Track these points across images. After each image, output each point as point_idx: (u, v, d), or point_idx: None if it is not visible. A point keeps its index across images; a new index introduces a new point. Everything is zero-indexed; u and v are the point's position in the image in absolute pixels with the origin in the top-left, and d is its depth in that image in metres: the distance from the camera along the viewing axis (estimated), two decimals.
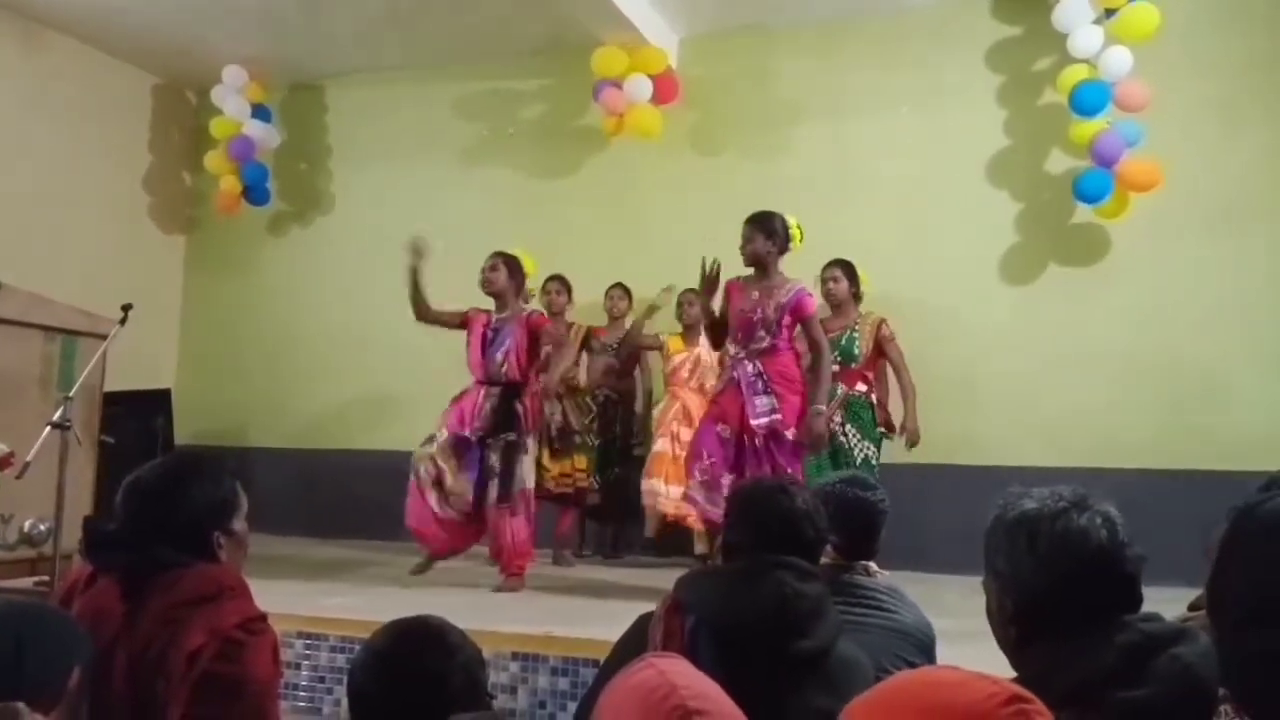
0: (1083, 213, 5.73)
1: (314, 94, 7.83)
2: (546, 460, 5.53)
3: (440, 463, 4.72)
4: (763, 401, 4.31)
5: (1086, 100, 5.40)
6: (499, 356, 4.82)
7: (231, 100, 7.31)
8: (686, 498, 4.40)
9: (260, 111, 7.46)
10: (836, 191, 6.20)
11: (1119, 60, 5.33)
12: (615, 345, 5.84)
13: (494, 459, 4.72)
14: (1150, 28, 5.29)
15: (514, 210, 6.92)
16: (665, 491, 5.21)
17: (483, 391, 4.82)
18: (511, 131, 7.16)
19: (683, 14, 6.51)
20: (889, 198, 6.15)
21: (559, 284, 5.86)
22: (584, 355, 5.77)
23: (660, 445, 5.41)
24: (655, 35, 6.42)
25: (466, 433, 4.75)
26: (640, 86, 6.27)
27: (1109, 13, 5.39)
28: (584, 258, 6.35)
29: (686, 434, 5.24)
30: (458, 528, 4.79)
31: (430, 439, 4.81)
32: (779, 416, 4.27)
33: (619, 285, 5.98)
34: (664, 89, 6.39)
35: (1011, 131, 6.06)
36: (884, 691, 1.05)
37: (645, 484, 5.30)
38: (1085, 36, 5.41)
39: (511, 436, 4.76)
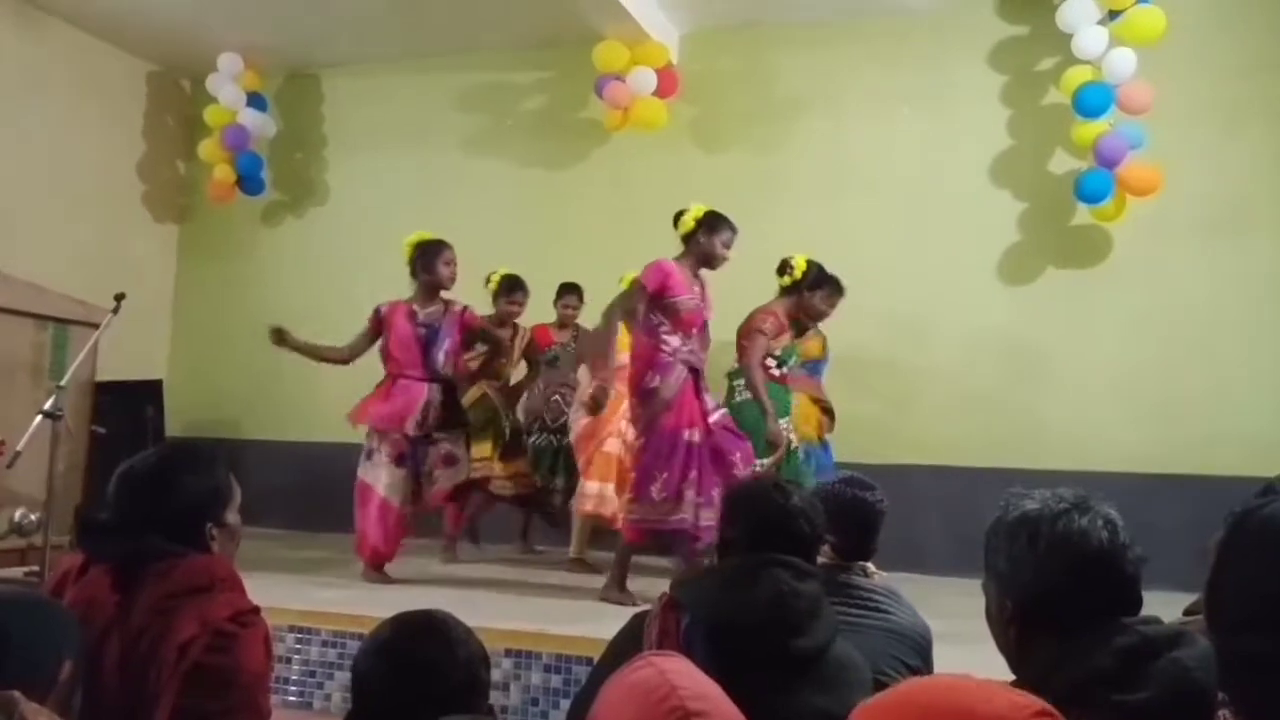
0: (1083, 215, 5.73)
1: (310, 83, 7.79)
2: (496, 461, 5.42)
3: (390, 477, 4.64)
4: (710, 398, 4.29)
5: (1090, 102, 5.40)
6: (440, 355, 4.76)
7: (226, 88, 7.27)
8: (675, 522, 4.06)
9: (255, 100, 7.42)
10: (836, 189, 6.19)
11: (1123, 62, 5.32)
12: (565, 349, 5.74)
13: (445, 450, 4.71)
14: (1156, 30, 5.28)
15: (511, 203, 6.91)
16: (612, 498, 4.92)
17: (426, 388, 4.72)
18: (510, 123, 7.14)
19: (684, 9, 6.50)
20: (889, 196, 6.15)
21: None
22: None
23: (609, 446, 5.01)
24: (656, 30, 6.40)
25: (417, 432, 4.66)
26: (644, 80, 6.26)
27: (1114, 14, 5.38)
28: (581, 251, 6.33)
29: (633, 433, 5.07)
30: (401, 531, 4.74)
31: (374, 458, 4.68)
32: (725, 410, 4.28)
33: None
34: (664, 84, 6.38)
35: (1014, 132, 6.05)
36: (901, 695, 1.04)
37: (590, 487, 4.95)
38: (1090, 38, 5.41)
39: (461, 432, 4.83)
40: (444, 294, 4.85)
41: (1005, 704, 0.93)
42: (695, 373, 4.21)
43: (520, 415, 5.69)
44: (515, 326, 5.67)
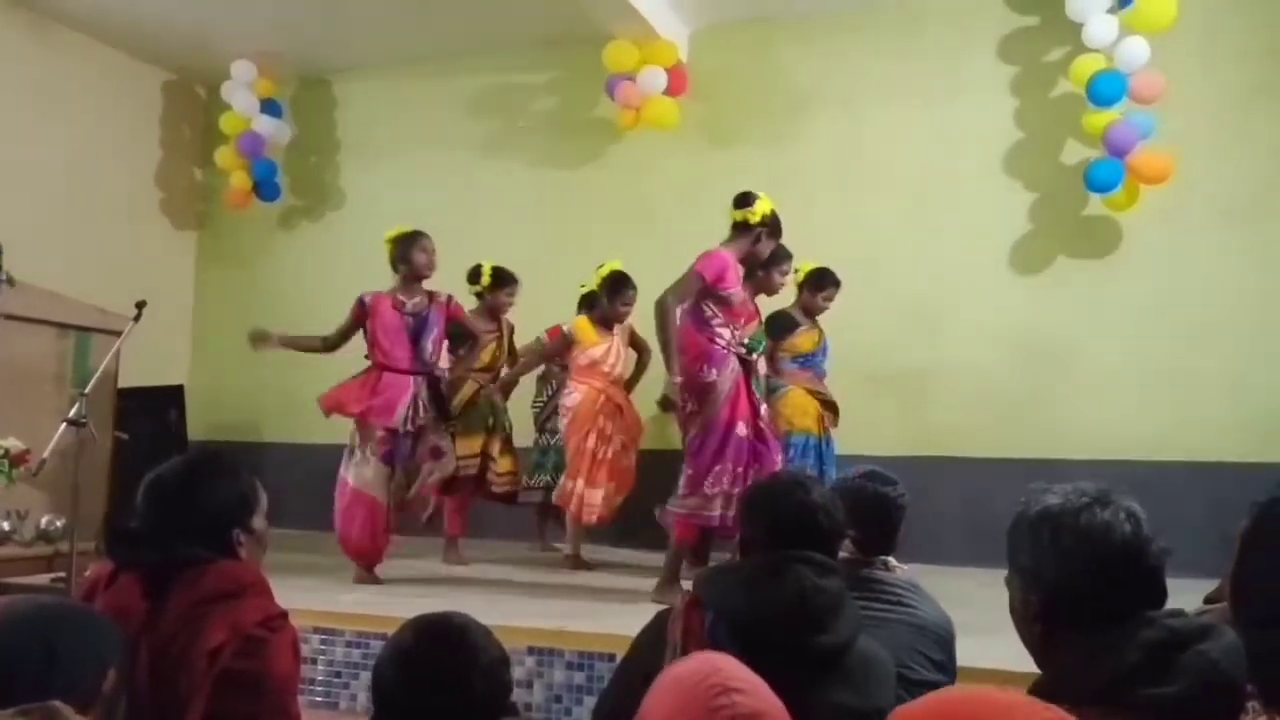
0: (1095, 205, 5.70)
1: (324, 88, 7.83)
2: (498, 456, 5.41)
3: (377, 474, 4.60)
4: (758, 394, 4.26)
5: (1101, 91, 5.37)
6: (429, 345, 4.74)
7: (241, 95, 7.31)
8: (695, 514, 4.02)
9: (270, 106, 7.46)
10: (849, 182, 6.18)
11: (1134, 51, 5.29)
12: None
13: (431, 443, 4.68)
14: (1167, 19, 5.26)
15: (525, 203, 6.93)
16: (590, 496, 5.00)
17: (413, 381, 4.68)
18: (522, 124, 7.15)
19: (693, 6, 6.49)
20: (901, 188, 6.13)
21: (516, 285, 5.59)
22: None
23: (589, 442, 5.04)
24: (665, 28, 6.41)
25: (406, 427, 4.61)
26: (655, 79, 6.26)
27: (1123, 3, 5.35)
28: (595, 250, 6.33)
29: (611, 428, 5.10)
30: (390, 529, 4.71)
31: (358, 455, 4.62)
32: (766, 407, 4.28)
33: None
34: (675, 82, 6.38)
35: (1025, 122, 6.03)
36: (932, 705, 1.05)
37: (575, 486, 4.99)
38: (1100, 27, 5.38)
39: (451, 425, 4.89)
40: (425, 285, 4.82)
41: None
42: (745, 365, 4.17)
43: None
44: (502, 321, 5.61)
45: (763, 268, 4.52)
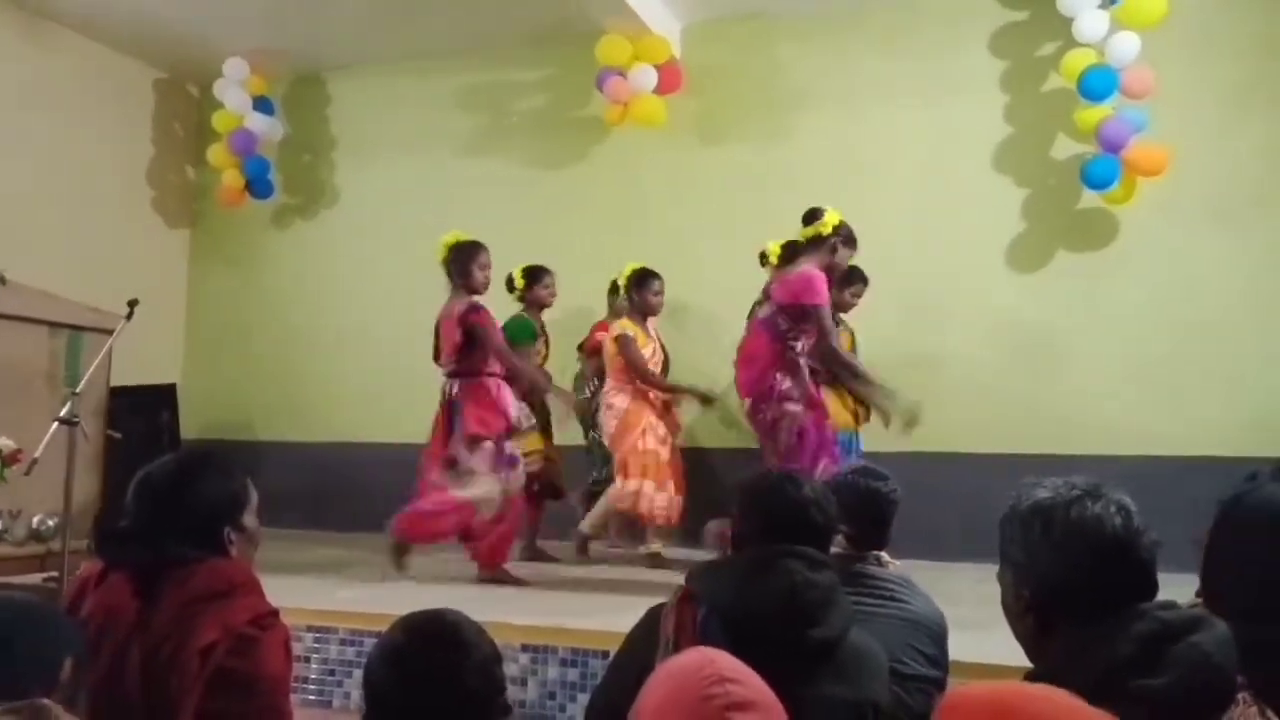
0: (1090, 198, 5.70)
1: (317, 86, 7.81)
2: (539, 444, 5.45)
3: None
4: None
5: (1093, 86, 5.37)
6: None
7: (233, 93, 7.29)
8: None
9: (262, 104, 7.44)
10: (842, 179, 6.17)
11: (1125, 45, 5.30)
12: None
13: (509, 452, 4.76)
14: (1156, 13, 5.26)
15: (517, 200, 6.92)
16: (659, 498, 5.12)
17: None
18: (515, 120, 7.15)
19: (685, 1, 6.48)
20: (895, 185, 6.13)
21: (552, 275, 5.57)
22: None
23: (649, 444, 5.18)
24: (658, 23, 6.40)
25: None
26: (645, 76, 6.25)
27: None
28: (588, 247, 6.34)
29: (663, 428, 5.24)
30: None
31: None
32: None
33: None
34: (667, 78, 6.37)
35: (1017, 118, 6.03)
36: (992, 694, 1.05)
37: (640, 487, 5.09)
38: (1091, 22, 5.38)
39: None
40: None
41: None
42: (815, 373, 4.32)
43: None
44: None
45: (835, 286, 4.61)
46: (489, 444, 4.56)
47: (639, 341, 5.30)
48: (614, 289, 5.74)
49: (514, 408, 4.71)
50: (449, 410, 4.66)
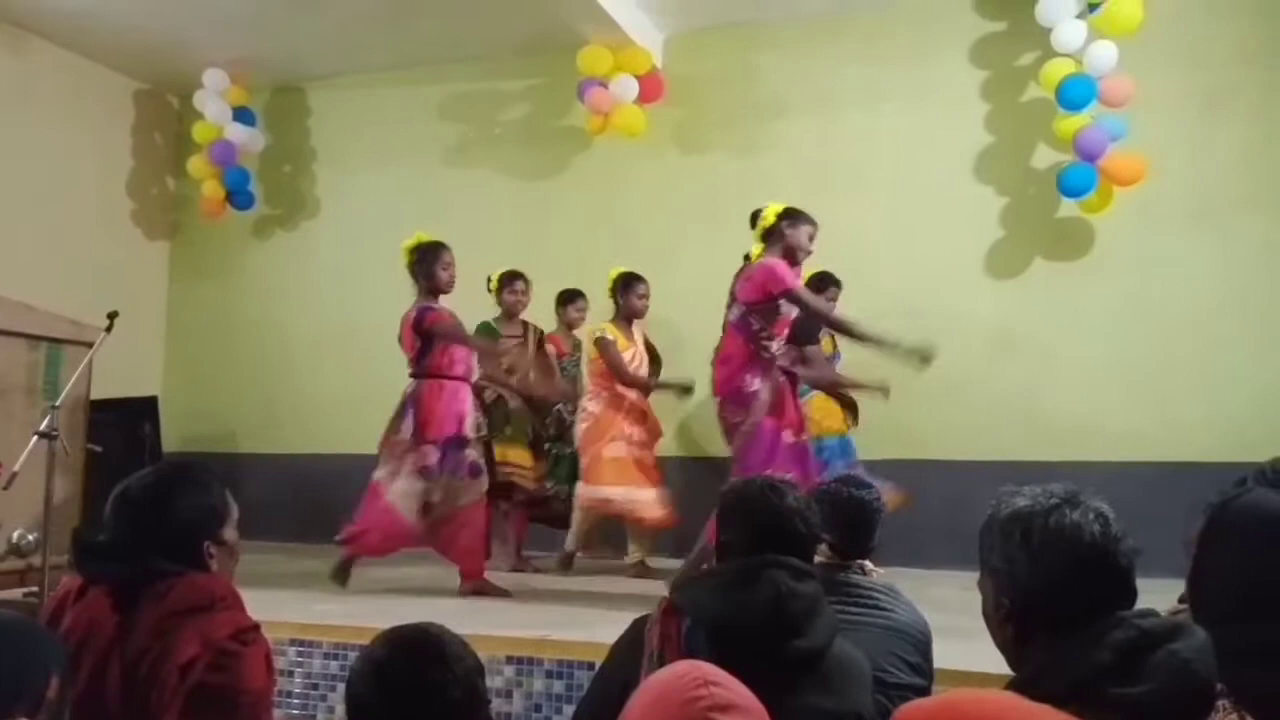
0: (1068, 207, 5.75)
1: (297, 96, 7.79)
2: (528, 460, 5.49)
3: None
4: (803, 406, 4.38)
5: (1071, 95, 5.42)
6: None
7: (213, 104, 7.26)
8: None
9: (243, 115, 7.41)
10: (822, 188, 6.17)
11: (1103, 55, 5.35)
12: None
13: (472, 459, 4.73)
14: (1133, 22, 5.32)
15: (500, 210, 6.92)
16: (641, 497, 5.17)
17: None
18: (498, 131, 7.15)
19: (667, 12, 6.51)
20: (875, 194, 6.17)
21: (525, 283, 5.65)
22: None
23: (613, 450, 5.19)
24: (640, 34, 6.42)
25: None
26: (626, 86, 6.27)
27: (1092, 7, 5.41)
28: (569, 257, 6.34)
29: (639, 434, 5.29)
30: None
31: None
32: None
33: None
34: (649, 88, 6.39)
35: (996, 127, 6.07)
36: (941, 705, 1.06)
37: (616, 492, 5.13)
38: (1069, 31, 5.44)
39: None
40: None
41: None
42: (790, 376, 4.23)
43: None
44: (525, 324, 5.67)
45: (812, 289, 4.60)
46: (429, 447, 4.53)
47: (619, 345, 5.33)
48: (561, 299, 5.80)
49: (470, 415, 4.70)
50: (402, 409, 4.68)
